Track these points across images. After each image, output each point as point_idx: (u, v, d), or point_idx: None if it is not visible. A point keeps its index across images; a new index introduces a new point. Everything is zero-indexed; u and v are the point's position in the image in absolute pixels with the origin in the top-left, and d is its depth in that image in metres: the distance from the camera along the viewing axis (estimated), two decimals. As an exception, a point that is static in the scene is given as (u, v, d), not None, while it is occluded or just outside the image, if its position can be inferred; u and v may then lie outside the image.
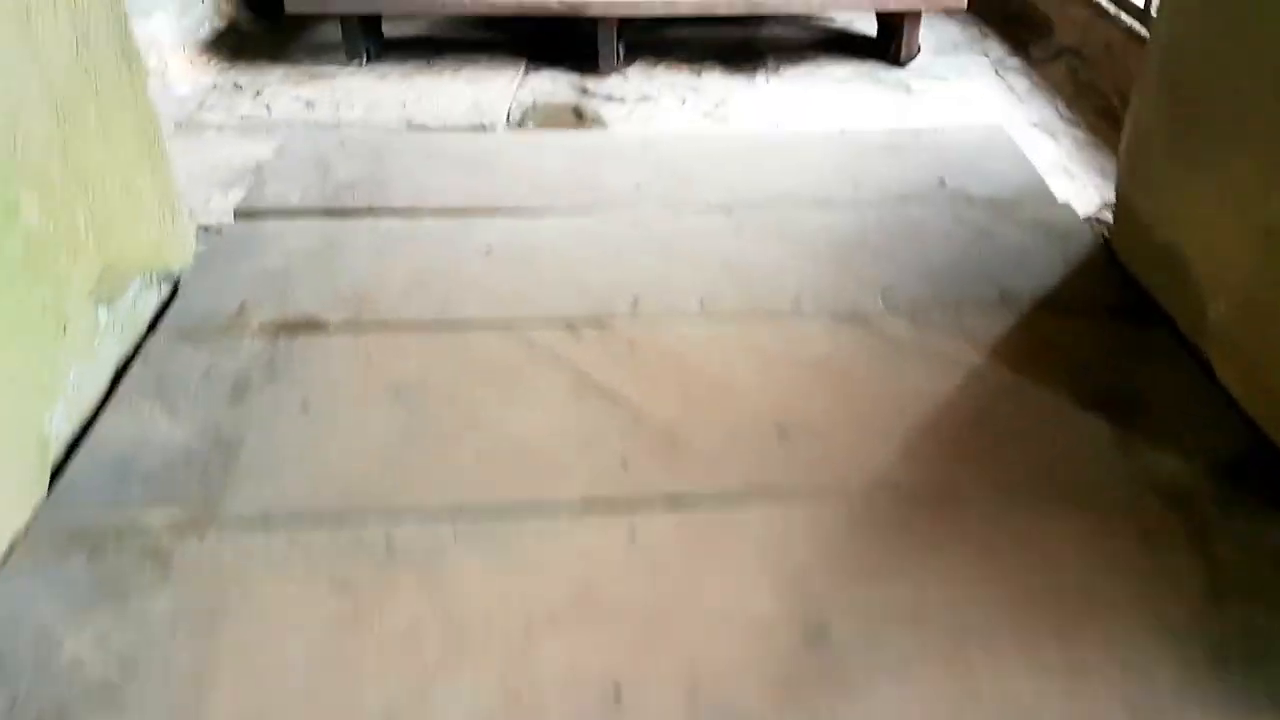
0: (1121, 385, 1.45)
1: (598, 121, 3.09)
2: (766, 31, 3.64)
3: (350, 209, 1.91)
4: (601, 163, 2.07)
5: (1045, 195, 1.94)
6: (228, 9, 3.56)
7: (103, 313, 1.53)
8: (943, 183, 1.94)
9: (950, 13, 3.53)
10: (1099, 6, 3.12)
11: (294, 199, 1.94)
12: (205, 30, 3.40)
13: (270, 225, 1.86)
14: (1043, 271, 1.71)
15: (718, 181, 1.99)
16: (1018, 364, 1.48)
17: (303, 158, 2.09)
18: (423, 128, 3.01)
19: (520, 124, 3.08)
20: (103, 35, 1.54)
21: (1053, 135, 2.93)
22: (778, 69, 3.42)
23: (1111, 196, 2.50)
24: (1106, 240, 1.78)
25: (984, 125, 2.18)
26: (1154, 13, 2.85)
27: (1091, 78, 3.11)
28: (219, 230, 1.87)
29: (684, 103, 3.20)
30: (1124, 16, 2.99)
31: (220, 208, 2.61)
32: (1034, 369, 1.47)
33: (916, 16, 3.37)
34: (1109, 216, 2.15)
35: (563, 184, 1.99)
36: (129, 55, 1.60)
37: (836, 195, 1.93)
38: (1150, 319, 1.58)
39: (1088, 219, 2.11)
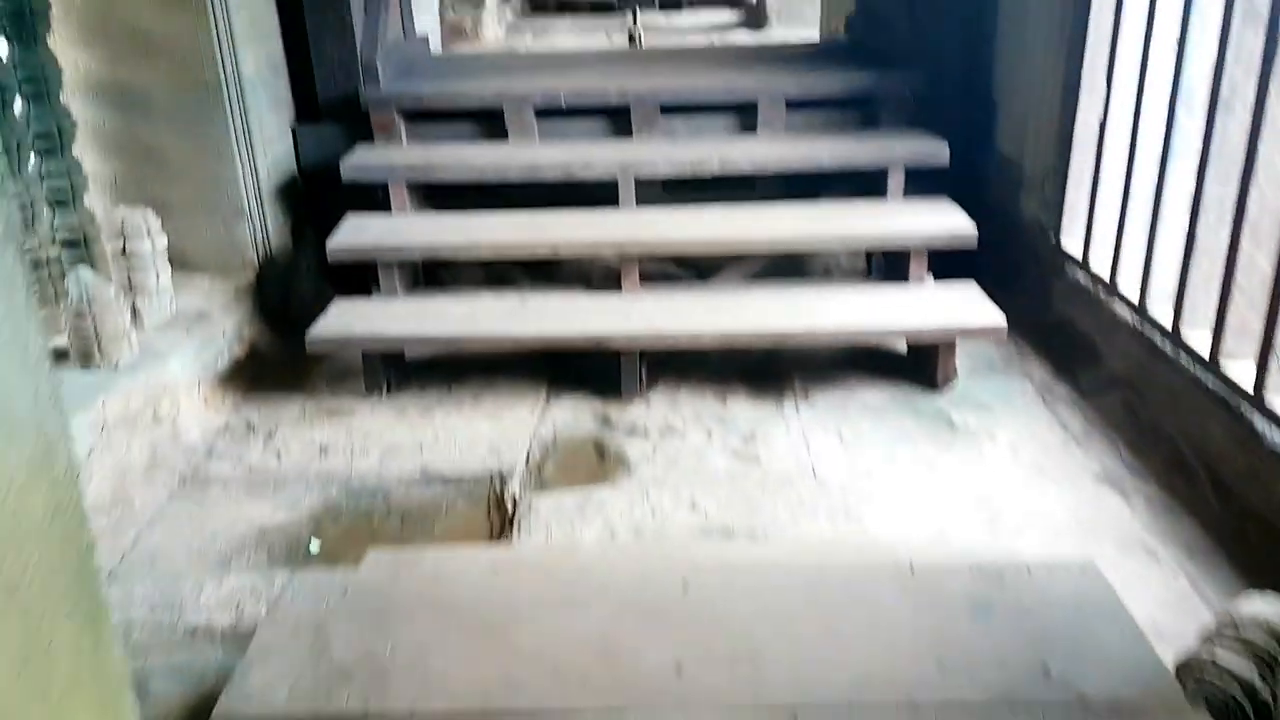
0: None
1: (621, 462, 2.70)
2: (793, 346, 3.28)
3: (342, 716, 1.48)
4: (638, 624, 1.64)
5: (1172, 697, 1.49)
6: (250, 333, 3.25)
7: None
8: (1047, 672, 1.51)
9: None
10: (1152, 344, 2.75)
11: (280, 697, 1.51)
12: (225, 360, 3.07)
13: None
14: None
15: (776, 658, 1.55)
16: None
17: (299, 619, 1.67)
18: (439, 477, 2.63)
19: (540, 467, 2.70)
20: (62, 626, 1.12)
21: (1122, 492, 2.50)
22: (807, 393, 3.04)
23: (1214, 599, 2.05)
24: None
25: (1076, 564, 1.75)
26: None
27: (1155, 419, 2.69)
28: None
29: (710, 436, 2.82)
30: (1184, 359, 2.61)
31: (213, 601, 2.20)
32: None
33: (952, 344, 3.02)
34: (1224, 657, 1.69)
35: (591, 662, 1.56)
36: (95, 618, 1.18)
37: (921, 691, 1.48)
38: None
39: (1203, 669, 1.65)
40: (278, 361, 3.26)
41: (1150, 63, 2.73)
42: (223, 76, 3.16)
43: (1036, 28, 3.36)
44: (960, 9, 3.72)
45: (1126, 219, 2.88)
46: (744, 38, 9.61)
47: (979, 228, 3.27)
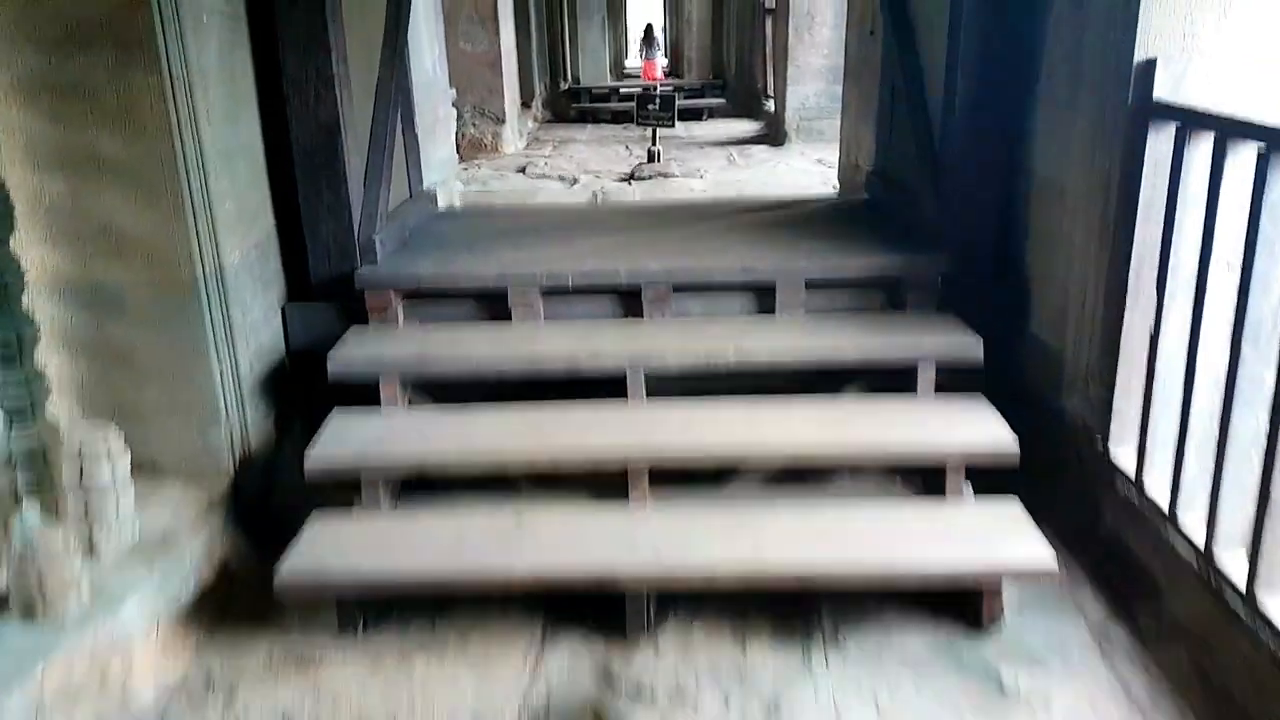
0: None
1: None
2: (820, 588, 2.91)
3: None
4: None
5: None
6: (221, 551, 2.95)
7: None
8: None
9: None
10: (1222, 599, 2.39)
11: None
12: (189, 591, 2.77)
13: None
14: None
15: None
16: None
17: None
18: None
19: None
20: None
21: (1197, 793, 2.14)
22: (837, 634, 2.69)
23: None
24: None
25: None
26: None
27: (1228, 686, 2.34)
28: None
29: (727, 704, 2.45)
30: (1262, 631, 2.25)
31: None
32: None
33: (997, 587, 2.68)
34: None
35: None
36: None
37: None
38: None
39: None
40: (250, 579, 2.95)
41: (1209, 284, 2.44)
42: (201, 272, 2.92)
43: (1074, 216, 3.07)
44: (988, 186, 3.46)
45: (1186, 449, 2.55)
46: (762, 153, 9.48)
47: (1014, 419, 2.99)
